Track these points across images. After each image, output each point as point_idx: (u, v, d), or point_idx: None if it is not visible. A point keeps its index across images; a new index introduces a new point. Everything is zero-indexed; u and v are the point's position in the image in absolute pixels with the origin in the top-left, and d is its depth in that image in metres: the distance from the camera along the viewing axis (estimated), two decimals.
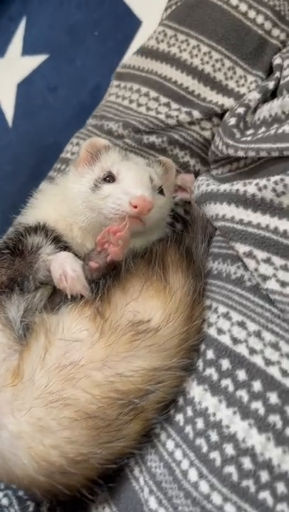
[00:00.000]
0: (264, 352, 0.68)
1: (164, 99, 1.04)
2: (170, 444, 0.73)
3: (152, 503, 0.69)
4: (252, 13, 0.99)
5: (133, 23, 1.80)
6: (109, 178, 0.86)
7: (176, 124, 1.02)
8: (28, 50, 2.15)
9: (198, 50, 1.01)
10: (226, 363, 0.72)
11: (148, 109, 1.05)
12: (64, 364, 0.72)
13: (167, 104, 1.04)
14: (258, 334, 0.70)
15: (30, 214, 0.94)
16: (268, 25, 0.98)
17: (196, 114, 1.00)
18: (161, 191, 0.90)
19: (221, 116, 1.02)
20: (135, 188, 0.82)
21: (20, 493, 0.84)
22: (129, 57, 1.11)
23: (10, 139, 2.13)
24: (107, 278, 0.81)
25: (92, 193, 0.86)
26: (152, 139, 1.02)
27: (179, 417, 0.73)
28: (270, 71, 1.00)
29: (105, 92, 1.66)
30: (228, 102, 0.99)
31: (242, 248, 0.73)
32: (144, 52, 1.09)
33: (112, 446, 0.71)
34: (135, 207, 0.79)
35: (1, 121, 2.14)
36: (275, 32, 0.99)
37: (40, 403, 0.71)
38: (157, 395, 0.73)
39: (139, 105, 1.07)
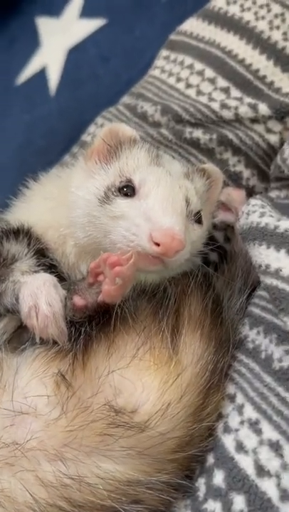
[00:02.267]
0: None
1: (222, 83, 0.76)
2: None
3: None
4: None
5: None
6: (128, 189, 0.60)
7: (233, 118, 0.73)
8: (86, 11, 1.92)
9: (283, 20, 0.72)
10: (240, 502, 0.46)
11: (199, 92, 0.78)
12: (5, 439, 0.50)
13: (226, 90, 0.76)
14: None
15: (16, 212, 0.70)
16: None
17: (264, 109, 0.71)
18: (198, 218, 0.63)
19: None
20: (163, 215, 0.55)
21: None
22: (189, 21, 0.84)
23: (49, 110, 1.91)
24: (92, 324, 0.56)
25: (100, 206, 0.61)
26: (197, 134, 0.75)
27: None
28: None
29: None
30: None
31: None
32: (208, 15, 0.80)
33: None
34: (158, 244, 0.53)
35: (44, 88, 1.92)
36: None
37: None
38: None
39: (188, 86, 0.79)
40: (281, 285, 0.49)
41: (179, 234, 0.53)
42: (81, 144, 0.93)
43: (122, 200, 0.59)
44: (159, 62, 0.88)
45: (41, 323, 0.55)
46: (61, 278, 0.64)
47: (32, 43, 2.06)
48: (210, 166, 0.68)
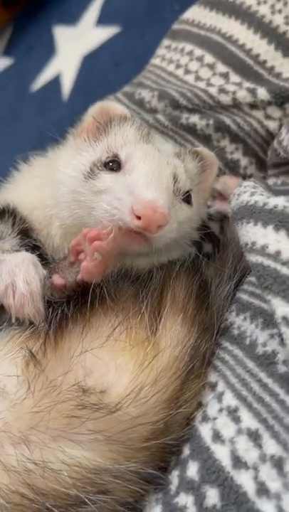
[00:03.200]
0: None
1: (221, 68, 0.74)
2: None
3: None
4: None
5: None
6: (113, 164, 0.58)
7: (231, 103, 0.71)
8: (102, 19, 1.94)
9: (285, 3, 0.70)
10: (213, 495, 0.41)
11: (197, 78, 0.75)
12: None
13: (225, 75, 0.73)
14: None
15: (3, 192, 0.68)
16: None
17: (263, 93, 0.68)
18: (187, 198, 0.60)
19: None
20: (146, 188, 0.53)
21: None
22: (191, 9, 0.82)
23: (62, 114, 1.92)
24: (70, 304, 0.53)
25: (85, 181, 0.58)
26: (194, 119, 0.72)
27: None
28: None
29: None
30: None
31: (282, 309, 0.42)
32: (210, 2, 0.79)
33: None
34: (138, 218, 0.51)
35: (57, 94, 1.94)
36: None
37: None
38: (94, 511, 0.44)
39: (186, 72, 0.77)
40: (266, 262, 0.45)
41: (162, 208, 0.50)
42: None
43: (106, 174, 0.57)
44: (160, 51, 0.86)
45: (17, 301, 0.53)
46: (44, 260, 0.61)
47: (48, 50, 2.09)
48: (204, 150, 0.66)
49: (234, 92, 0.70)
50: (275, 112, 0.70)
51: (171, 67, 0.80)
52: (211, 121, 0.71)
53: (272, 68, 0.71)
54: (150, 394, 0.46)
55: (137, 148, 0.57)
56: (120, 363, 0.48)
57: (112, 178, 0.56)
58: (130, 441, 0.46)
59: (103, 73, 1.84)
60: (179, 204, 0.58)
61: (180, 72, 0.78)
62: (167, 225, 0.52)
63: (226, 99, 0.70)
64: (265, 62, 0.71)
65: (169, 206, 0.52)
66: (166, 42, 0.86)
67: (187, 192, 0.59)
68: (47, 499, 0.44)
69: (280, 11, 0.70)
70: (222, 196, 0.72)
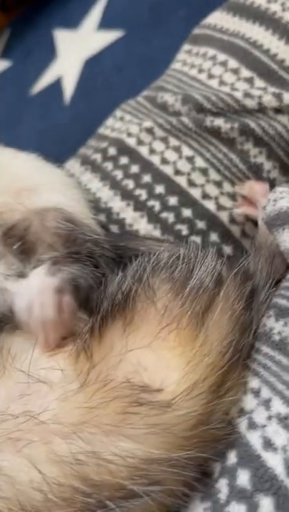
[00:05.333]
0: None
1: (246, 73, 0.73)
2: None
3: None
4: None
5: None
6: None
7: (256, 107, 0.71)
8: (104, 24, 1.94)
9: None
10: (267, 504, 0.41)
11: (221, 83, 0.75)
12: (13, 411, 0.46)
13: (249, 80, 0.73)
14: None
15: None
16: None
17: (288, 98, 0.69)
18: None
19: None
20: None
21: None
22: (213, 14, 0.82)
23: (63, 118, 1.92)
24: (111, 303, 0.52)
25: None
26: (218, 122, 0.72)
27: None
28: None
29: None
30: None
31: None
32: (233, 7, 0.79)
33: None
34: None
35: (58, 98, 1.94)
36: None
37: None
38: (145, 505, 0.44)
39: (210, 77, 0.77)
40: None
41: None
42: (98, 137, 0.90)
43: None
44: (180, 56, 0.86)
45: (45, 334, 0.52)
46: None
47: (48, 55, 2.09)
48: None
49: (260, 97, 0.70)
50: None
51: (193, 72, 0.80)
52: (236, 125, 0.71)
53: None
54: (201, 390, 0.46)
55: None
56: (171, 361, 0.47)
57: None
58: (181, 432, 0.45)
59: (105, 77, 1.84)
60: None
61: (203, 76, 0.77)
62: None
63: (251, 103, 0.70)
64: None
65: None
66: (186, 47, 0.85)
67: None
68: (100, 491, 0.43)
69: None
70: (248, 201, 0.72)
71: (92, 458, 0.43)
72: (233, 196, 0.73)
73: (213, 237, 0.73)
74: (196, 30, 0.86)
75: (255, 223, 0.71)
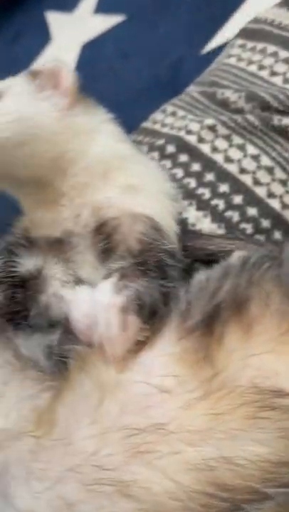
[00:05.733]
0: None
1: None
2: None
3: None
4: None
5: None
6: None
7: None
8: (102, 7, 1.89)
9: None
10: None
11: (286, 80, 0.75)
12: (138, 424, 0.46)
13: None
14: None
15: None
16: None
17: None
18: None
19: None
20: None
21: None
22: (266, 10, 0.82)
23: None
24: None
25: None
26: (286, 121, 0.72)
27: None
28: None
29: (188, 68, 1.44)
30: None
31: None
32: None
33: None
34: None
35: None
36: None
37: (77, 479, 0.45)
38: (275, 508, 0.45)
39: (272, 74, 0.77)
40: None
41: None
42: (143, 131, 0.88)
43: None
44: (233, 50, 0.85)
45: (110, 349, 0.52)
46: None
47: (40, 37, 2.01)
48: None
49: None
50: None
51: (252, 68, 0.79)
52: None
53: None
54: None
55: None
56: None
57: None
58: None
59: (108, 64, 1.80)
60: None
61: (265, 73, 0.77)
62: None
63: None
64: None
65: None
66: (239, 41, 0.84)
67: None
68: (234, 495, 0.44)
69: None
70: None
71: (224, 463, 0.44)
72: None
73: (277, 235, 0.73)
74: (249, 24, 0.85)
75: None
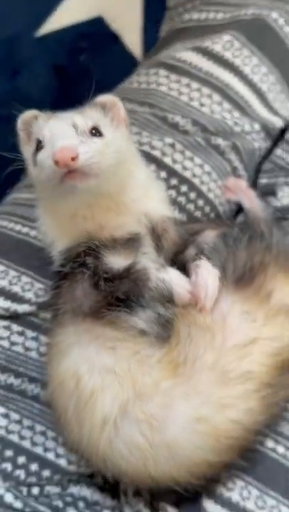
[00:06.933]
0: None
1: (227, 106, 1.11)
2: None
3: None
4: None
5: None
6: (39, 146, 0.77)
7: (239, 131, 1.10)
8: None
9: (259, 68, 1.12)
10: None
11: (212, 112, 1.10)
12: (238, 340, 0.76)
13: (229, 111, 1.11)
14: None
15: None
16: None
17: (257, 127, 1.11)
18: (96, 133, 0.78)
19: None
20: (51, 143, 0.73)
21: None
22: (184, 52, 1.12)
23: None
24: None
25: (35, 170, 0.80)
26: (218, 141, 1.08)
27: None
28: None
29: (24, 46, 1.68)
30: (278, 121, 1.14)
31: None
32: (205, 52, 1.11)
33: (272, 412, 0.79)
34: (58, 162, 0.70)
35: None
36: None
37: (220, 383, 0.73)
38: None
39: (201, 105, 1.09)
40: None
41: (67, 145, 0.70)
42: None
43: (39, 155, 0.77)
44: (159, 79, 1.10)
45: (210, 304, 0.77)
46: None
47: None
48: (101, 97, 0.85)
49: (243, 125, 1.10)
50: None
51: (184, 98, 1.08)
52: (229, 143, 1.09)
53: (255, 110, 1.13)
54: None
55: (45, 127, 0.78)
56: None
57: (41, 153, 0.77)
58: None
59: None
60: (89, 139, 0.76)
61: (196, 104, 1.07)
62: (83, 154, 0.71)
63: (236, 129, 1.09)
64: (251, 105, 1.13)
65: (75, 143, 0.72)
66: (163, 72, 1.11)
67: (94, 128, 0.78)
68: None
69: (256, 73, 1.12)
70: (229, 189, 1.12)
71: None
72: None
73: (212, 215, 1.11)
74: (170, 61, 1.13)
75: None
